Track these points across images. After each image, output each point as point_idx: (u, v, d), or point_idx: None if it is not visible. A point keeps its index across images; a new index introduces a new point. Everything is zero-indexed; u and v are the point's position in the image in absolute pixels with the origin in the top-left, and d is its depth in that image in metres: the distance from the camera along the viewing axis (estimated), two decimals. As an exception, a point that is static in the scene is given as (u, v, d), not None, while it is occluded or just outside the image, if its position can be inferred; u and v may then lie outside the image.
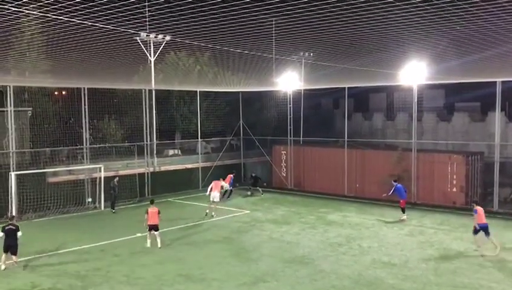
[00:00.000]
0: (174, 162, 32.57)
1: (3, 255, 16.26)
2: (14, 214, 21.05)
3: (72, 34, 19.27)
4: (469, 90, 33.58)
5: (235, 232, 21.19)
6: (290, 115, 33.30)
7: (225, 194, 28.61)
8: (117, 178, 26.28)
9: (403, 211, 23.05)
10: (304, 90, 34.68)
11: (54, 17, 16.82)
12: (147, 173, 29.93)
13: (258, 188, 30.60)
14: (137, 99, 30.59)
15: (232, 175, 29.53)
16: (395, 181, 23.33)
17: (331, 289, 14.32)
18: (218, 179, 25.21)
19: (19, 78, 26.68)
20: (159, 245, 18.49)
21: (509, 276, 15.23)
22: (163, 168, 31.18)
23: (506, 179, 26.23)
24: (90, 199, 26.38)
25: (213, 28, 18.78)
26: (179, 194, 30.41)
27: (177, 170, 31.98)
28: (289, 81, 30.03)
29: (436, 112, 38.41)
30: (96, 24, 17.71)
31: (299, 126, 34.60)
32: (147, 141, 30.21)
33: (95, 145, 28.30)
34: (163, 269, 16.09)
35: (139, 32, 24.32)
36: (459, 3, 13.93)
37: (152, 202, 19.61)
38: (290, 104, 33.34)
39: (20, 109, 25.66)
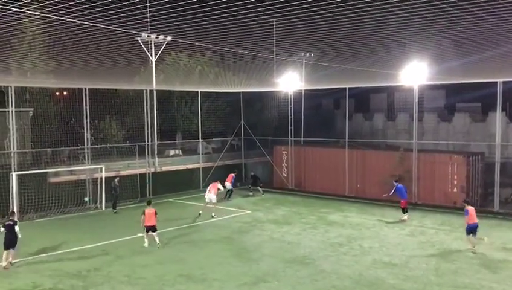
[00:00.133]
0: (175, 163, 32.58)
1: (4, 253, 16.42)
2: (14, 210, 21.07)
3: (74, 34, 19.33)
4: (470, 90, 33.60)
5: (236, 232, 21.21)
6: (291, 115, 33.31)
7: (227, 194, 28.66)
8: (117, 178, 26.30)
9: (403, 211, 23.07)
10: (305, 90, 34.72)
11: (56, 17, 16.86)
12: (148, 173, 29.96)
13: (258, 187, 30.63)
14: (138, 99, 30.63)
15: (233, 174, 29.58)
16: (396, 181, 23.35)
17: (332, 289, 14.33)
18: (217, 181, 25.19)
19: (21, 79, 26.72)
20: (158, 245, 18.54)
21: (510, 276, 15.23)
22: (164, 169, 31.20)
23: (507, 180, 26.22)
24: (87, 198, 26.34)
25: (214, 28, 18.82)
26: (179, 194, 30.43)
27: (178, 170, 31.99)
28: (290, 81, 30.05)
29: (437, 113, 38.42)
30: (98, 25, 17.75)
31: (299, 126, 34.62)
32: (148, 141, 30.23)
33: (96, 146, 28.32)
34: (164, 269, 16.11)
35: (140, 33, 24.39)
36: (460, 3, 13.95)
37: (149, 203, 19.63)
38: (290, 104, 33.35)
39: (21, 109, 25.67)
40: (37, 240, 19.32)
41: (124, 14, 16.89)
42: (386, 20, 16.73)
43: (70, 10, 15.93)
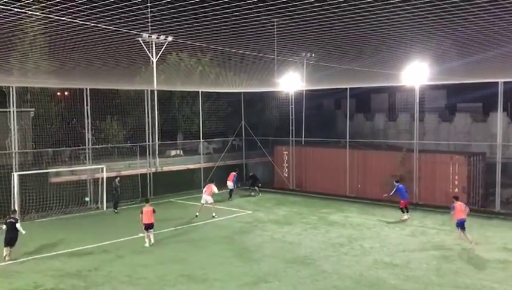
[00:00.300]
0: (176, 163, 32.59)
1: (4, 249, 16.62)
2: (16, 208, 21.11)
3: (75, 35, 19.34)
4: (471, 90, 33.58)
5: (237, 232, 21.22)
6: (292, 115, 33.31)
7: (230, 194, 28.70)
8: (118, 178, 26.30)
9: (403, 211, 23.06)
10: (306, 90, 34.70)
11: (57, 18, 16.88)
12: (149, 173, 29.98)
13: (255, 188, 30.62)
14: (139, 99, 30.63)
15: (235, 173, 29.60)
16: (396, 182, 23.36)
17: (333, 289, 14.33)
18: (212, 182, 25.12)
19: (22, 79, 26.75)
20: (152, 242, 18.74)
21: (511, 276, 15.22)
22: (165, 169, 31.21)
23: (508, 180, 26.17)
24: (87, 198, 26.34)
25: (215, 28, 18.82)
26: (180, 194, 30.44)
27: (179, 171, 31.99)
28: (291, 81, 30.06)
29: (438, 113, 38.42)
30: (99, 25, 17.76)
31: (300, 127, 34.62)
32: (149, 142, 30.25)
33: (97, 146, 28.34)
34: (166, 269, 16.12)
35: (141, 33, 24.40)
36: (461, 4, 13.95)
37: (147, 201, 20.04)
38: (291, 104, 33.35)
39: (22, 109, 25.72)
40: (38, 240, 19.35)
41: (125, 15, 16.91)
42: (387, 21, 16.73)
43: (72, 10, 15.95)
